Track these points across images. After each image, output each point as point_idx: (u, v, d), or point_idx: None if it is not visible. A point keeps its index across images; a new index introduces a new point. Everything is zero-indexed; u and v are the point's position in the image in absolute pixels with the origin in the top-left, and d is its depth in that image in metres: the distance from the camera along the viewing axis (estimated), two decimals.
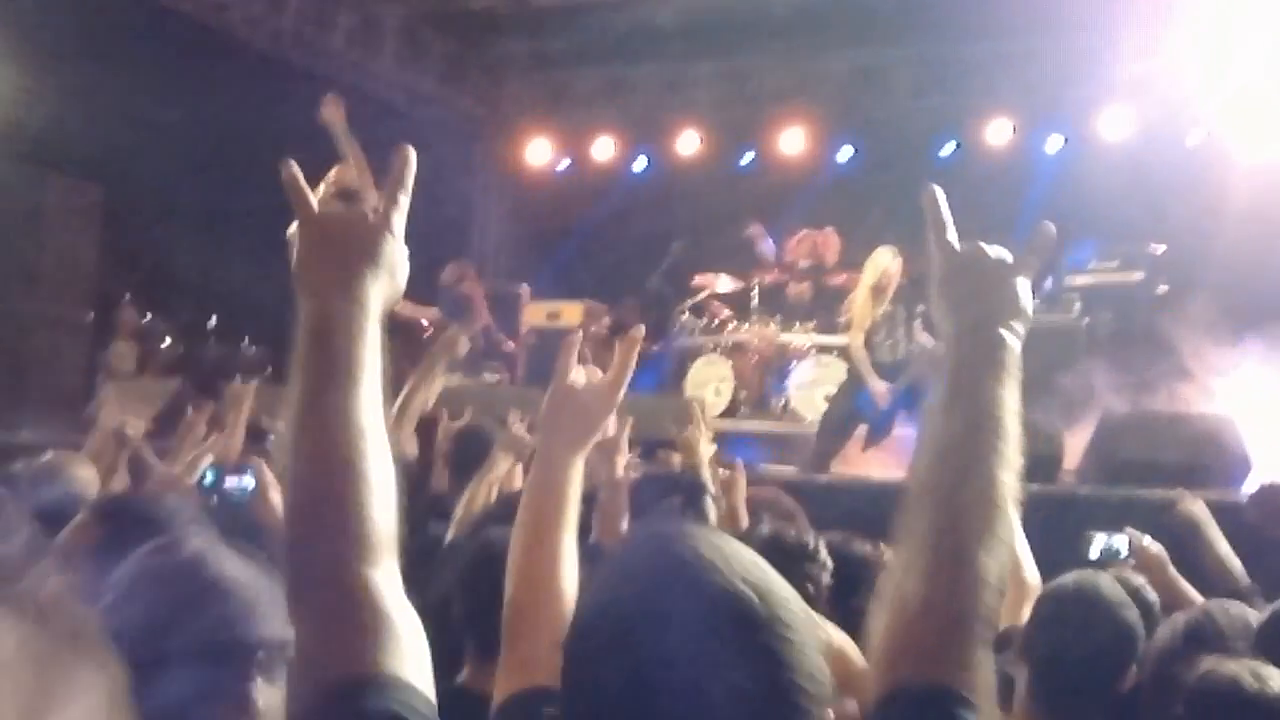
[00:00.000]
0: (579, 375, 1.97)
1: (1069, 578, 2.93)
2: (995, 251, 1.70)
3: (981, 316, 1.62)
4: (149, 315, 12.24)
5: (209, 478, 3.26)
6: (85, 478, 3.65)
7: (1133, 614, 2.83)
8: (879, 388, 8.24)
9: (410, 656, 1.31)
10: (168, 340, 12.36)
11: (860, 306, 8.61)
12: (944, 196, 1.69)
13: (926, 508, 1.49)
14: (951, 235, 1.69)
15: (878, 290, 8.47)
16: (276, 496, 3.25)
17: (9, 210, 10.94)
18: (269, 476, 3.25)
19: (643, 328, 2.11)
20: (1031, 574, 3.48)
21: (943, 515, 1.46)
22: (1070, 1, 10.64)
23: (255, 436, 6.58)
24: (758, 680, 1.13)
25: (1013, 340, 1.61)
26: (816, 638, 1.20)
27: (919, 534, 1.47)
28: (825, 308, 10.54)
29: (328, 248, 1.48)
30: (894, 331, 8.61)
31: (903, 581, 1.45)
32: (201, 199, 11.82)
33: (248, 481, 3.24)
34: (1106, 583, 2.91)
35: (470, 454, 4.94)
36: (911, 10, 11.81)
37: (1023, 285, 1.68)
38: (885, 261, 8.51)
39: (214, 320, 12.63)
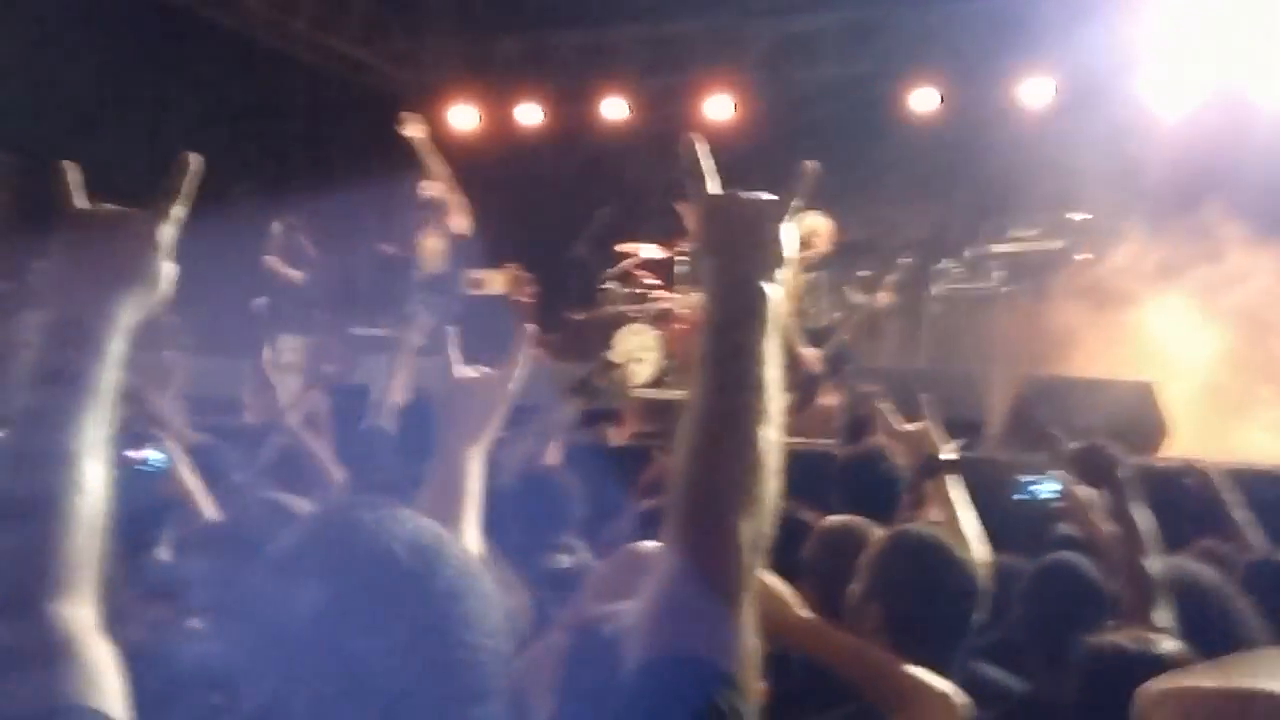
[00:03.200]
0: (468, 368, 1.95)
1: (913, 528, 2.96)
2: (752, 197, 1.63)
3: (738, 268, 1.56)
4: None
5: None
6: None
7: (973, 561, 2.87)
8: (806, 354, 8.26)
9: (104, 690, 1.28)
10: None
11: (795, 277, 8.60)
12: (704, 146, 1.61)
13: (684, 474, 1.44)
14: (711, 185, 1.61)
15: (802, 253, 8.47)
16: (189, 474, 3.16)
17: None
18: (180, 452, 3.15)
19: (535, 327, 2.09)
20: (981, 552, 3.46)
21: (699, 481, 1.42)
22: None
23: None
24: (410, 629, 1.14)
25: (772, 290, 1.55)
26: (490, 591, 1.20)
27: (677, 501, 1.43)
28: None
29: (85, 254, 1.42)
30: (819, 298, 8.64)
31: (663, 550, 1.43)
32: (101, 159, 11.53)
33: (155, 456, 3.12)
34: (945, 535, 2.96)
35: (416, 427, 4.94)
36: None
37: (783, 230, 1.61)
38: (811, 225, 8.50)
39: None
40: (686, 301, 10.69)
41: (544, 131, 13.59)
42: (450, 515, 1.82)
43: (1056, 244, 10.11)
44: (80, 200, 1.45)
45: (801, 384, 8.35)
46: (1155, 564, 3.30)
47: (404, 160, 14.18)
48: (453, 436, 1.90)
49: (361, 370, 8.46)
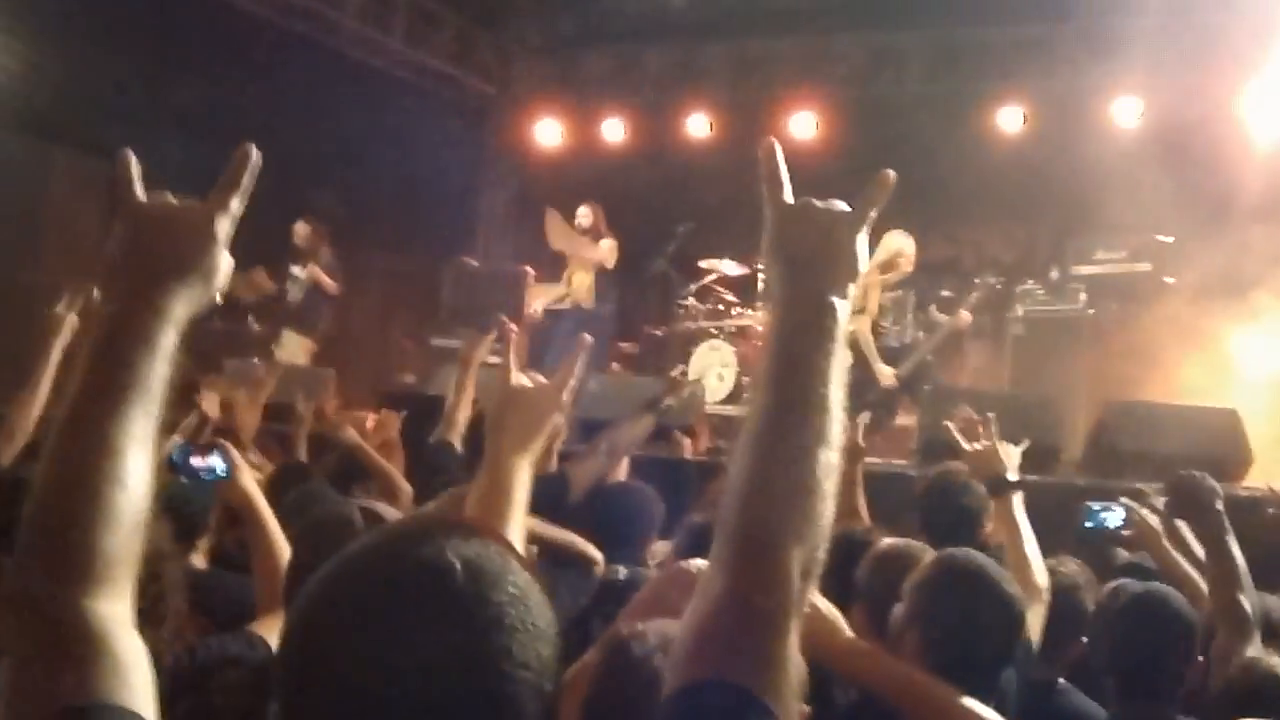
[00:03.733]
0: (523, 376, 1.94)
1: (959, 552, 2.89)
2: (827, 206, 1.57)
3: (807, 279, 1.50)
4: None
5: (176, 455, 3.20)
6: None
7: (1014, 589, 2.79)
8: (883, 371, 8.21)
9: (134, 686, 1.27)
10: None
11: (867, 289, 8.55)
12: (781, 152, 1.55)
13: (736, 493, 1.39)
14: (786, 193, 1.56)
15: (886, 272, 8.42)
16: (251, 482, 3.21)
17: (14, 184, 10.95)
18: (240, 460, 3.21)
19: (589, 338, 2.09)
20: (1041, 576, 3.41)
21: (753, 500, 1.37)
22: None
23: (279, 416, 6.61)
24: (449, 649, 1.13)
25: (841, 304, 1.49)
26: (542, 625, 1.18)
27: (727, 521, 1.38)
28: None
29: (142, 246, 1.41)
30: (902, 317, 8.57)
31: (709, 571, 1.39)
32: (208, 174, 11.79)
33: (217, 463, 3.19)
34: (991, 561, 2.90)
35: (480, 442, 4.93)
36: None
37: (858, 242, 1.55)
38: (896, 244, 8.45)
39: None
40: (765, 319, 10.68)
41: (628, 147, 13.65)
42: (498, 523, 1.82)
43: (1143, 267, 9.96)
44: (140, 192, 1.45)
45: (879, 402, 8.30)
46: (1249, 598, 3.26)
47: (490, 174, 14.40)
48: (502, 444, 1.90)
49: (437, 381, 8.55)
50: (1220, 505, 3.45)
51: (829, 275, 1.49)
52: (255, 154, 1.48)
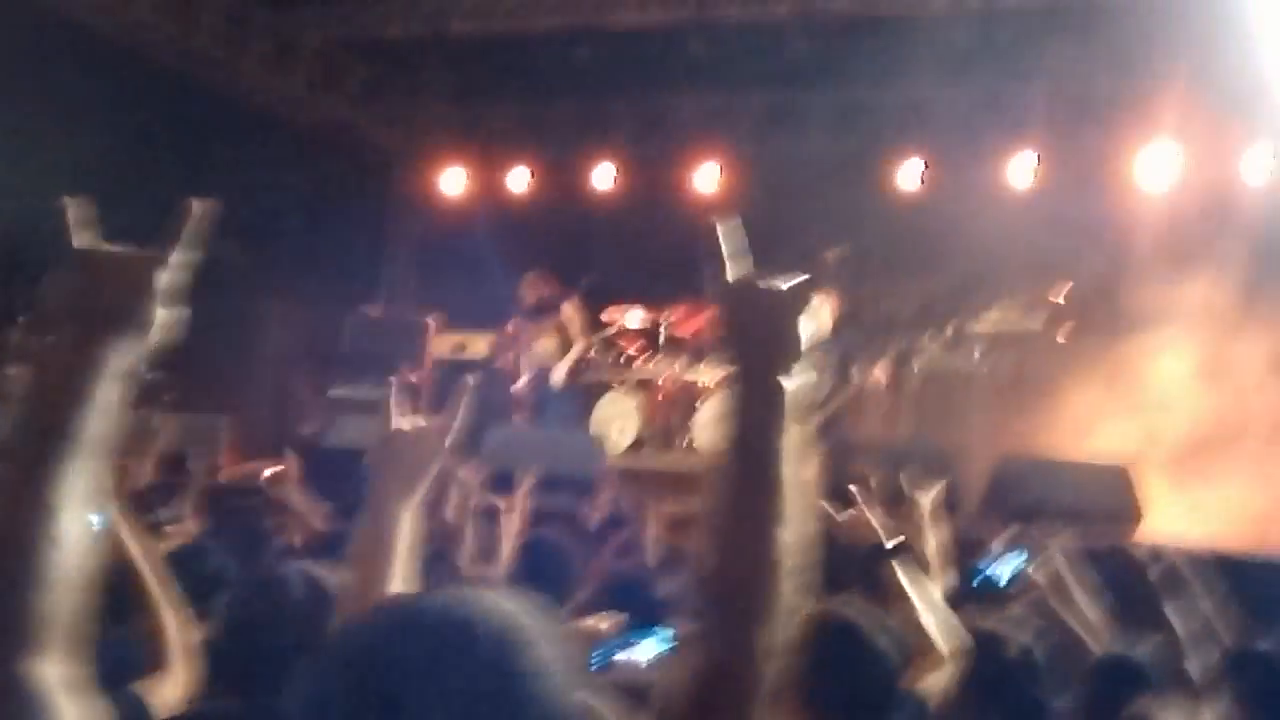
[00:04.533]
0: (405, 420, 1.93)
1: (835, 610, 2.90)
2: (769, 288, 1.59)
3: (754, 362, 1.53)
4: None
5: None
6: None
7: (884, 640, 2.84)
8: None
9: None
10: None
11: None
12: (728, 227, 1.57)
13: (706, 571, 1.43)
14: (732, 271, 1.57)
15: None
16: (130, 537, 3.12)
17: None
18: (119, 515, 3.11)
19: (471, 380, 2.07)
20: (944, 640, 3.38)
21: (716, 583, 1.41)
22: (982, 49, 10.85)
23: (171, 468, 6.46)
24: (478, 697, 1.11)
25: (791, 384, 1.52)
26: (565, 683, 1.16)
27: (699, 604, 1.44)
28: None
29: (80, 293, 1.40)
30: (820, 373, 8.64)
31: (691, 644, 1.42)
32: (106, 224, 11.60)
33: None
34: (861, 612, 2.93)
35: None
36: (827, 52, 11.95)
37: (799, 323, 1.57)
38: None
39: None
40: (667, 370, 10.72)
41: (533, 197, 13.68)
42: (380, 572, 1.80)
43: (1036, 323, 10.18)
44: (80, 239, 1.42)
45: None
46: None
47: (395, 223, 14.32)
48: (385, 490, 1.88)
49: (337, 432, 8.45)
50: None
51: (773, 357, 1.51)
52: (201, 208, 1.47)
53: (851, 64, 12.03)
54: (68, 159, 10.60)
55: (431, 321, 11.91)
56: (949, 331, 10.47)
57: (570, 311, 10.83)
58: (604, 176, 13.32)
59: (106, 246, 1.46)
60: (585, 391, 10.97)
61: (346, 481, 5.14)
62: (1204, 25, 9.05)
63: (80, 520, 1.30)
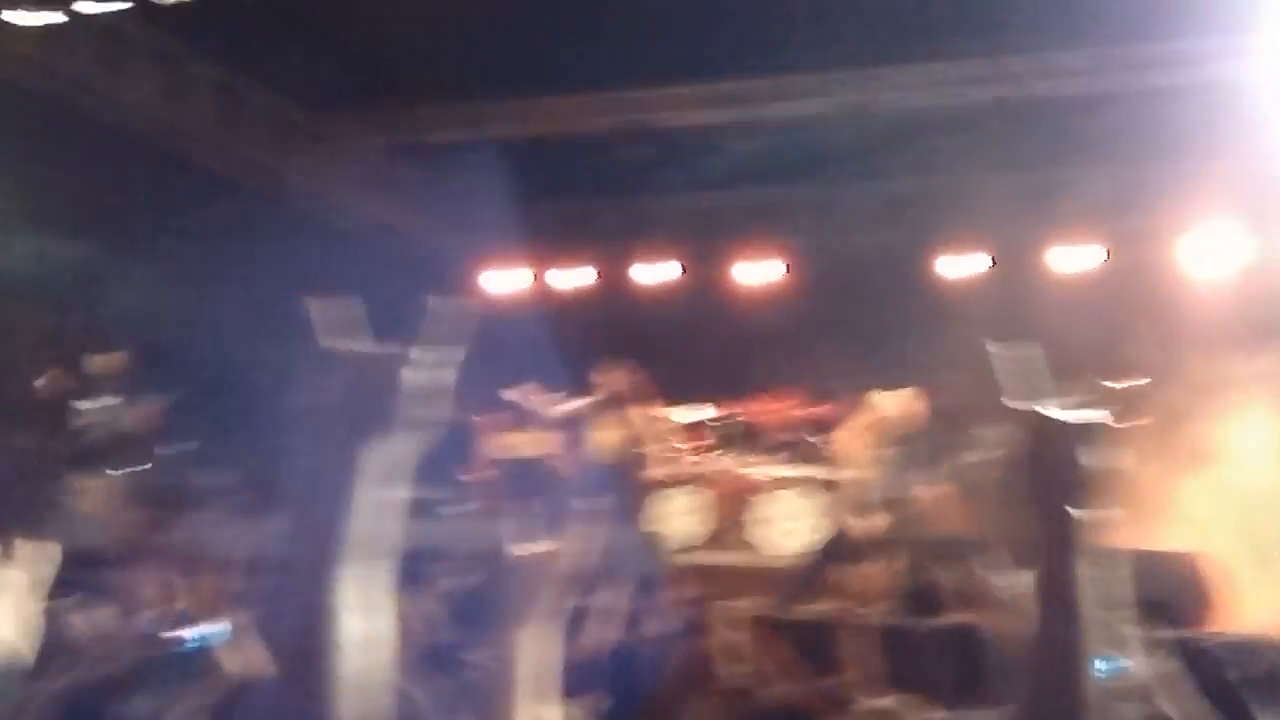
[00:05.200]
0: (524, 545, 1.91)
1: None
2: (1063, 419, 1.66)
3: (1052, 494, 1.62)
4: None
5: (156, 625, 3.02)
6: None
7: None
8: (860, 528, 8.06)
9: None
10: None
11: (864, 451, 8.43)
12: (1004, 355, 1.59)
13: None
14: (1011, 399, 1.60)
15: (877, 432, 8.36)
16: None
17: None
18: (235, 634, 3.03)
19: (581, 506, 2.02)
20: None
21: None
22: (1032, 139, 10.85)
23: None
24: None
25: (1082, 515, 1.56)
26: None
27: None
28: (790, 440, 10.48)
29: (333, 392, 1.41)
30: (897, 473, 8.45)
31: None
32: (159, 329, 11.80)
33: (203, 632, 2.99)
34: None
35: None
36: (869, 146, 11.99)
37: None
38: (890, 405, 8.42)
39: (173, 449, 12.41)
40: (722, 465, 10.62)
41: (583, 296, 13.74)
42: (510, 694, 1.76)
43: (1099, 413, 9.98)
44: (329, 339, 1.41)
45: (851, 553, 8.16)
46: None
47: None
48: (510, 611, 1.84)
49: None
50: None
51: (1067, 489, 1.65)
52: (443, 305, 1.45)
53: (895, 156, 12.08)
54: (145, 261, 10.82)
55: (482, 421, 11.85)
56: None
57: (638, 405, 10.66)
58: (653, 273, 13.37)
59: (353, 345, 1.44)
60: (642, 487, 10.85)
61: None
62: (1256, 105, 9.01)
63: (364, 623, 1.28)
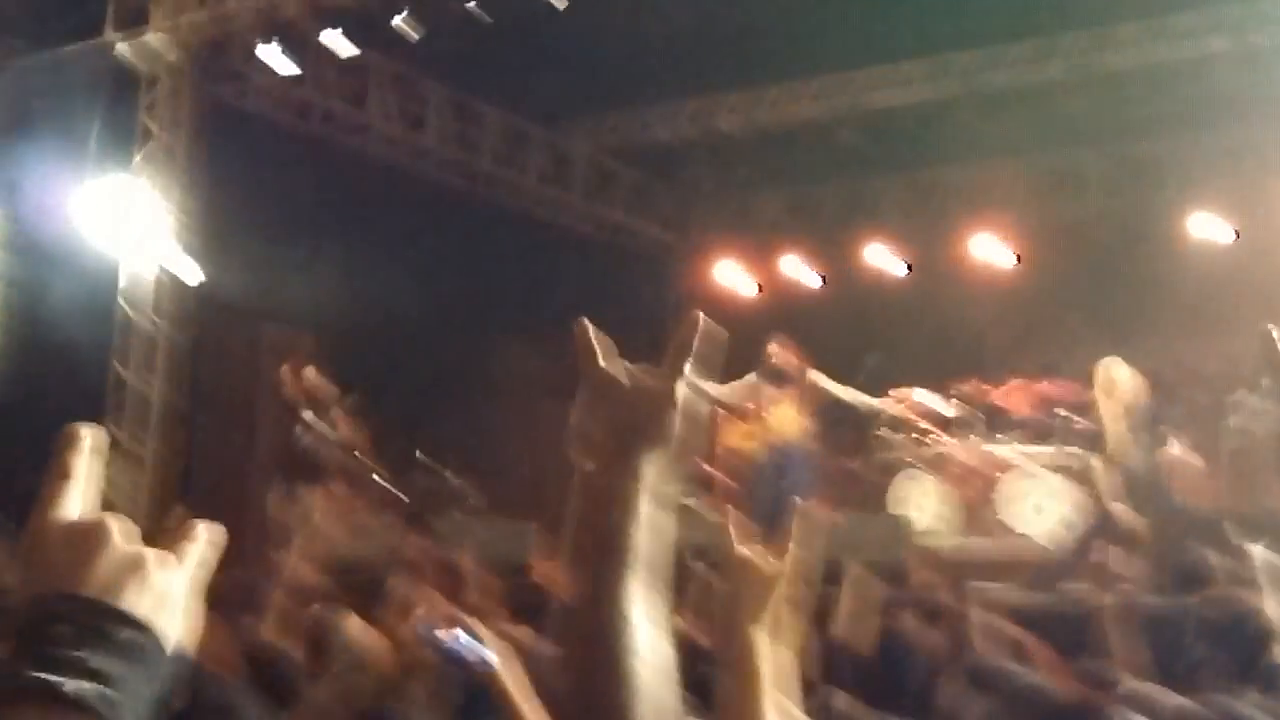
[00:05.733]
0: (745, 548, 1.93)
1: None
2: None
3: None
4: (356, 453, 12.66)
5: (429, 633, 3.19)
6: None
7: None
8: (1118, 509, 7.83)
9: None
10: (377, 477, 12.73)
11: (1115, 428, 8.21)
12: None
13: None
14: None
15: (1128, 409, 8.13)
16: (516, 683, 3.09)
17: (228, 357, 11.57)
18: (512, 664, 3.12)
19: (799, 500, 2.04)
20: None
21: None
22: (1268, 92, 10.36)
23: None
24: None
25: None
26: None
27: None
28: (1037, 418, 10.28)
29: (607, 412, 1.42)
30: (1149, 447, 8.21)
31: None
32: (407, 341, 12.33)
33: (488, 653, 3.13)
34: None
35: None
36: (1102, 108, 11.63)
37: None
38: (1126, 378, 8.18)
39: (420, 455, 12.95)
40: (963, 446, 10.48)
41: (808, 282, 13.76)
42: (748, 696, 1.81)
43: None
44: (601, 360, 1.45)
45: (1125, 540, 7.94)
46: None
47: (674, 320, 14.61)
48: (738, 618, 1.89)
49: None
50: None
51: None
52: (704, 321, 1.46)
53: (1129, 117, 11.68)
54: (387, 278, 11.38)
55: (716, 412, 11.96)
56: (1264, 383, 9.86)
57: (813, 380, 10.17)
58: (878, 255, 13.29)
59: (626, 365, 1.48)
60: (881, 473, 10.80)
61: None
62: None
63: (657, 631, 1.33)
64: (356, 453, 12.31)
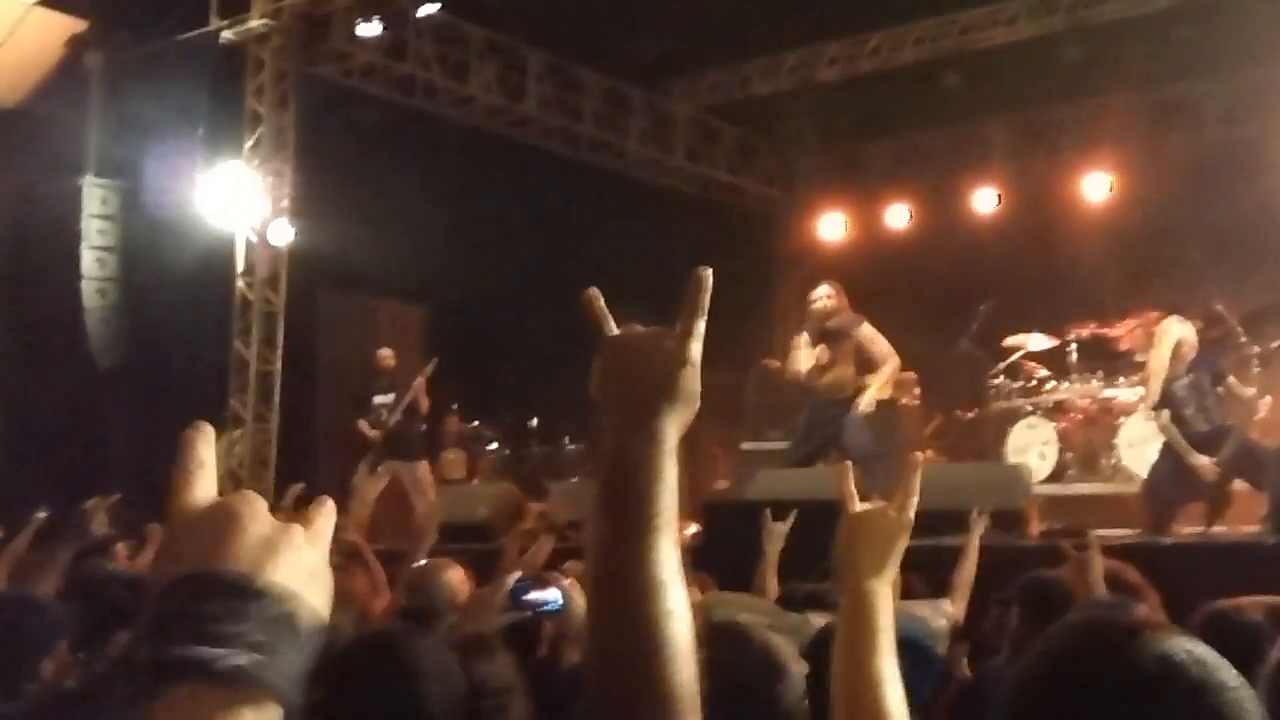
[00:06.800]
0: (861, 505, 1.93)
1: None
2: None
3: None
4: (475, 422, 12.86)
5: (516, 588, 3.31)
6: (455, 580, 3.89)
7: None
8: (1201, 463, 7.63)
9: None
10: (493, 445, 12.93)
11: (1154, 381, 8.01)
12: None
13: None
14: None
15: (1176, 361, 7.90)
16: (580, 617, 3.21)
17: (344, 336, 11.82)
18: (577, 598, 3.24)
19: (919, 456, 2.03)
20: None
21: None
22: None
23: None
24: None
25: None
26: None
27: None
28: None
29: (626, 378, 1.42)
30: (1203, 400, 7.95)
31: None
32: (512, 311, 12.46)
33: (554, 596, 3.26)
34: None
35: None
36: (1213, 38, 11.28)
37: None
38: (1178, 333, 7.94)
39: (535, 422, 13.11)
40: (1081, 391, 10.30)
41: (916, 231, 13.59)
42: (866, 649, 1.81)
43: None
44: (612, 326, 1.45)
45: (1211, 494, 7.77)
46: None
47: (782, 275, 14.57)
48: (859, 573, 1.89)
49: (751, 486, 8.54)
50: None
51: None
52: (708, 276, 1.47)
53: (1241, 47, 11.31)
54: (494, 248, 11.49)
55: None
56: None
57: (868, 333, 8.89)
58: (986, 200, 13.08)
59: (639, 329, 1.49)
60: (999, 420, 10.66)
61: (757, 534, 5.17)
62: None
63: (682, 591, 1.34)
64: (466, 421, 12.49)
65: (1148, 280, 11.64)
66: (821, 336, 8.82)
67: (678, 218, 12.96)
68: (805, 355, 8.82)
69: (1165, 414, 7.80)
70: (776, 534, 4.98)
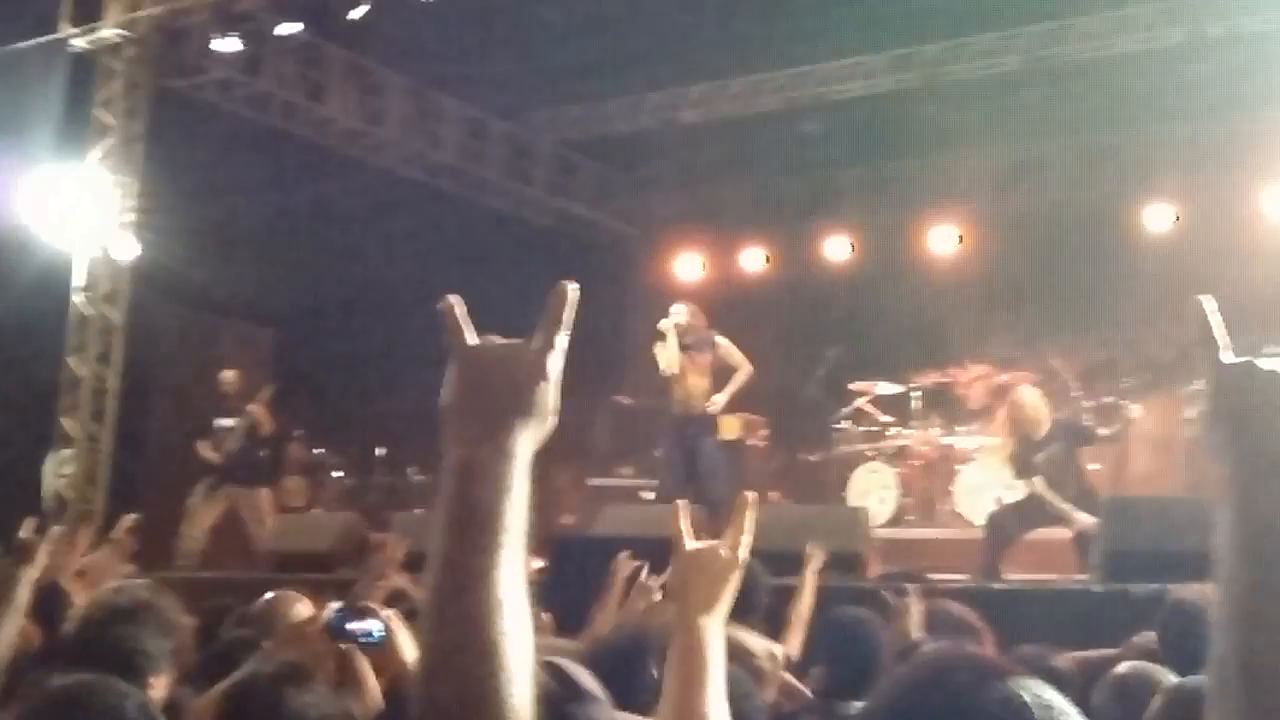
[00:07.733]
0: (696, 542, 1.92)
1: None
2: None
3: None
4: (319, 450, 12.61)
5: (333, 619, 3.21)
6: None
7: None
8: (1085, 521, 7.72)
9: None
10: (338, 473, 12.70)
11: (1003, 448, 8.21)
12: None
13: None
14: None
15: (1019, 435, 8.06)
16: (406, 652, 3.11)
17: (186, 356, 11.49)
18: (400, 629, 3.16)
19: (753, 495, 2.00)
20: None
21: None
22: (1225, 80, 10.46)
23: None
24: None
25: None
26: None
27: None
28: (990, 408, 10.31)
29: (478, 388, 1.38)
30: (1064, 472, 8.10)
31: None
32: (363, 338, 12.26)
33: (374, 628, 3.18)
34: None
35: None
36: (1061, 100, 11.72)
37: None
38: (1031, 401, 8.09)
39: (382, 451, 12.91)
40: (922, 438, 10.53)
41: (770, 275, 13.78)
42: (694, 685, 1.80)
43: None
44: (470, 337, 1.41)
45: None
46: None
47: (636, 312, 14.62)
48: (688, 609, 1.88)
49: (600, 522, 8.53)
50: None
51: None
52: (572, 290, 1.42)
53: (1089, 108, 11.77)
54: (347, 272, 11.28)
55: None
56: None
57: (725, 344, 9.34)
58: (838, 248, 13.33)
59: (496, 340, 1.44)
60: (842, 464, 10.83)
61: (606, 570, 5.14)
62: None
63: (525, 608, 1.29)
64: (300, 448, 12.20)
65: (989, 333, 12.01)
66: (680, 350, 9.08)
67: (534, 249, 12.94)
68: (670, 355, 9.10)
69: (1039, 480, 7.89)
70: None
